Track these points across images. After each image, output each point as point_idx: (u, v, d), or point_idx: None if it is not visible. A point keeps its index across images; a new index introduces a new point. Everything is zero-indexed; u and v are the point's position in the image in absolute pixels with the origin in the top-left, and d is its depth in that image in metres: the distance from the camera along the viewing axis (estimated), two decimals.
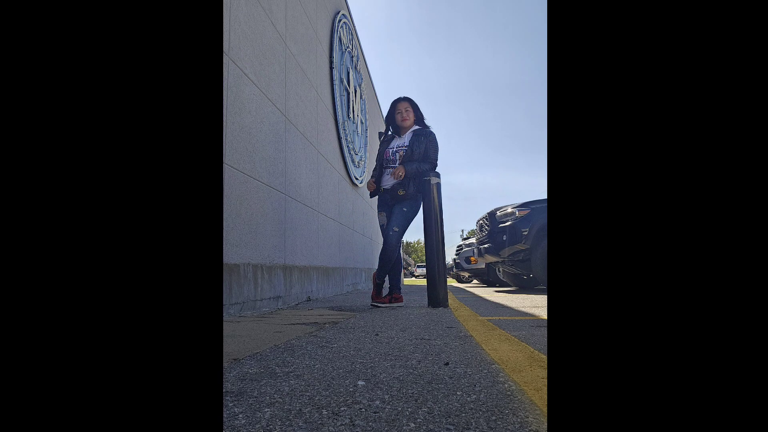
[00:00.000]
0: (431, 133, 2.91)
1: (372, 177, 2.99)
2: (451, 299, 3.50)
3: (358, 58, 6.72)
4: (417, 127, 2.96)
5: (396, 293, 2.92)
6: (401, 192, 2.80)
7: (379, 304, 2.79)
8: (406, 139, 2.92)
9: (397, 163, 2.87)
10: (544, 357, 1.10)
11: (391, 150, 2.94)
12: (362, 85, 6.95)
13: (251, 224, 2.50)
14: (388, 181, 2.91)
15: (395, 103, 2.99)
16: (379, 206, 3.02)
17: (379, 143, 3.11)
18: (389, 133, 3.06)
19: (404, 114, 2.93)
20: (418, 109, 2.98)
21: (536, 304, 2.90)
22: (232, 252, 2.25)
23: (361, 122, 6.85)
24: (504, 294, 4.50)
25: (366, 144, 7.12)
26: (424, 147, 2.84)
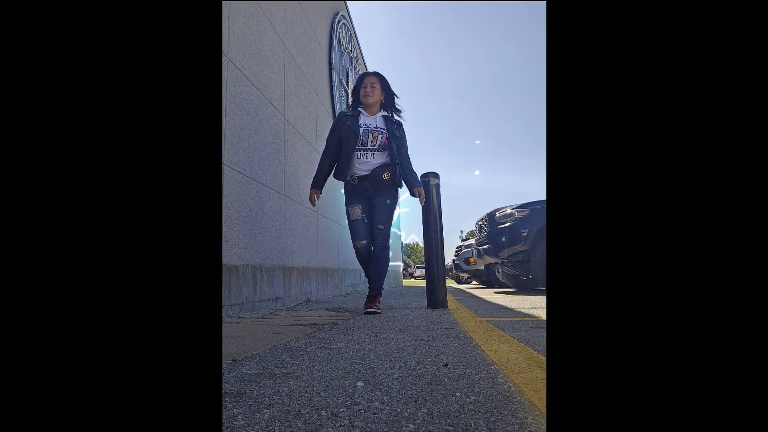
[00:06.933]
0: (401, 123, 2.54)
1: (322, 170, 2.48)
2: (451, 300, 3.50)
3: (357, 59, 6.73)
4: (385, 112, 2.51)
5: (379, 296, 2.50)
6: (386, 176, 2.34)
7: (375, 309, 2.46)
8: (378, 121, 2.46)
9: (376, 146, 2.40)
10: (544, 358, 1.10)
11: (362, 129, 2.42)
12: None
13: (250, 225, 2.50)
14: (363, 166, 2.41)
15: (362, 77, 2.54)
16: (350, 198, 2.44)
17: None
18: (349, 111, 2.58)
19: (368, 89, 2.44)
20: (389, 88, 2.48)
21: (535, 306, 2.90)
22: (232, 253, 2.25)
23: None
24: (503, 295, 4.50)
25: None
26: (404, 141, 2.47)
